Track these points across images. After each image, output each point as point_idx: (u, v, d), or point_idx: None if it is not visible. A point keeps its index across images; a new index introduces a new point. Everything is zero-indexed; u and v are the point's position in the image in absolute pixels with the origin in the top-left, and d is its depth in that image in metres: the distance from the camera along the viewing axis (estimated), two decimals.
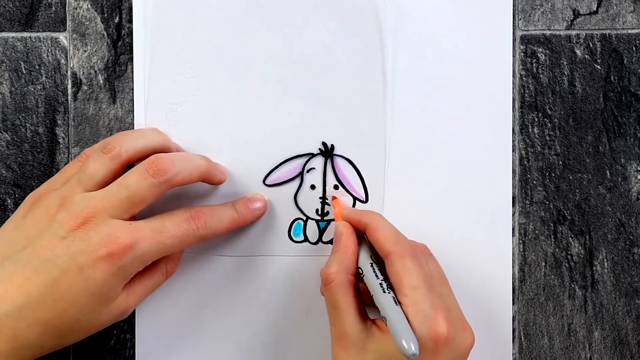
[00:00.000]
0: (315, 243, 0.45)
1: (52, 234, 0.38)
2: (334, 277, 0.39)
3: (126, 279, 0.39)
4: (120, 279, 0.38)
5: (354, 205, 0.45)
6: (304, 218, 0.45)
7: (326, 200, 0.45)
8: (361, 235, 0.42)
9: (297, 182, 0.45)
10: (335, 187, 0.45)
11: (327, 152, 0.45)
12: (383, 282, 0.38)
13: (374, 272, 0.39)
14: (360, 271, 0.40)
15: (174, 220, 0.40)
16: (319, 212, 0.45)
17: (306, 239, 0.45)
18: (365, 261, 0.40)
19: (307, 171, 0.45)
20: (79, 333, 0.39)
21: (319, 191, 0.45)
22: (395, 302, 0.37)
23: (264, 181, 0.45)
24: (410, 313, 0.36)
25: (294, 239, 0.45)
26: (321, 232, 0.45)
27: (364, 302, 0.40)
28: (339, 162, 0.45)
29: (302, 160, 0.45)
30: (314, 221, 0.45)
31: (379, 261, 0.40)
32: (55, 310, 0.37)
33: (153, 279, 0.42)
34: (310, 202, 0.45)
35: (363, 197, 0.45)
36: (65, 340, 0.39)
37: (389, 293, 0.37)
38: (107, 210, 0.38)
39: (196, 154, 0.44)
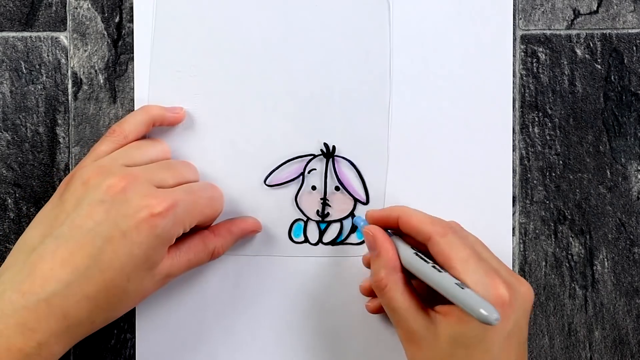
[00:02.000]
0: (316, 244, 0.45)
1: (91, 200, 0.37)
2: (386, 281, 0.39)
3: (170, 242, 0.39)
4: (163, 242, 0.38)
5: (354, 207, 0.45)
6: (305, 219, 0.45)
7: (327, 202, 0.45)
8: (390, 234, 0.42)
9: (298, 183, 0.45)
10: (336, 189, 0.45)
11: (328, 154, 0.45)
12: (435, 264, 0.38)
13: (422, 259, 0.38)
14: (407, 266, 0.39)
15: (200, 185, 0.42)
16: (320, 213, 0.45)
17: (306, 240, 0.45)
18: (408, 253, 0.39)
19: (308, 172, 0.45)
20: (127, 303, 0.39)
21: (319, 192, 0.45)
22: (455, 279, 0.37)
23: (264, 181, 0.45)
24: (470, 285, 0.36)
25: (294, 239, 0.45)
26: (321, 233, 0.45)
27: (419, 296, 0.40)
28: (340, 163, 0.45)
29: (303, 161, 0.45)
30: (314, 222, 0.45)
31: (419, 249, 0.40)
32: (103, 282, 0.37)
33: (198, 255, 0.41)
34: (311, 203, 0.45)
35: (364, 199, 0.45)
36: (115, 312, 0.39)
37: (445, 272, 0.37)
38: (146, 177, 0.39)
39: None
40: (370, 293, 0.43)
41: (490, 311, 0.34)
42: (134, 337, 0.46)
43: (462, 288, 0.36)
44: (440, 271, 0.37)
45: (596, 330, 0.46)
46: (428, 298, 0.39)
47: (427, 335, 0.38)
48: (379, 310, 0.43)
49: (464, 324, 0.36)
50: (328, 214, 0.45)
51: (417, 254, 0.39)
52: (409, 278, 0.40)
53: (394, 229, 0.41)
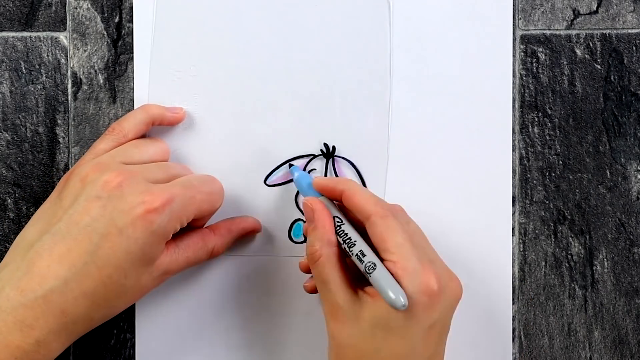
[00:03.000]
0: None
1: (87, 196, 0.37)
2: (320, 252, 0.39)
3: (166, 237, 0.39)
4: (159, 237, 0.38)
5: None
6: (305, 219, 0.45)
7: None
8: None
9: None
10: None
11: (328, 154, 0.45)
12: (363, 243, 0.38)
13: (348, 235, 0.38)
14: (340, 241, 0.39)
15: (198, 178, 0.42)
16: None
17: (306, 240, 0.45)
18: (347, 228, 0.39)
19: (309, 172, 0.45)
20: (125, 299, 0.39)
21: None
22: (377, 260, 0.37)
23: (264, 181, 0.45)
24: (400, 269, 0.36)
25: (294, 239, 0.45)
26: None
27: (352, 275, 0.40)
28: (340, 163, 0.45)
29: (303, 161, 0.45)
30: None
31: (357, 228, 0.40)
32: (100, 278, 0.37)
33: (197, 253, 0.41)
34: None
35: None
36: (113, 309, 0.39)
37: (370, 253, 0.37)
38: (143, 174, 0.39)
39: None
40: (308, 270, 0.42)
41: (398, 295, 0.34)
42: (134, 337, 0.46)
43: (381, 268, 0.36)
44: (363, 252, 0.37)
45: (596, 330, 0.46)
46: (363, 280, 0.39)
47: (351, 313, 0.37)
48: (316, 291, 0.42)
49: (388, 308, 0.36)
50: None
51: (342, 228, 0.39)
52: (345, 256, 0.39)
53: (338, 201, 0.41)
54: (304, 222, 0.45)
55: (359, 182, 0.45)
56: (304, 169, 0.45)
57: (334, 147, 0.45)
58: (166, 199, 0.37)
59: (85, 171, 0.39)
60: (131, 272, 0.37)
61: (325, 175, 0.45)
